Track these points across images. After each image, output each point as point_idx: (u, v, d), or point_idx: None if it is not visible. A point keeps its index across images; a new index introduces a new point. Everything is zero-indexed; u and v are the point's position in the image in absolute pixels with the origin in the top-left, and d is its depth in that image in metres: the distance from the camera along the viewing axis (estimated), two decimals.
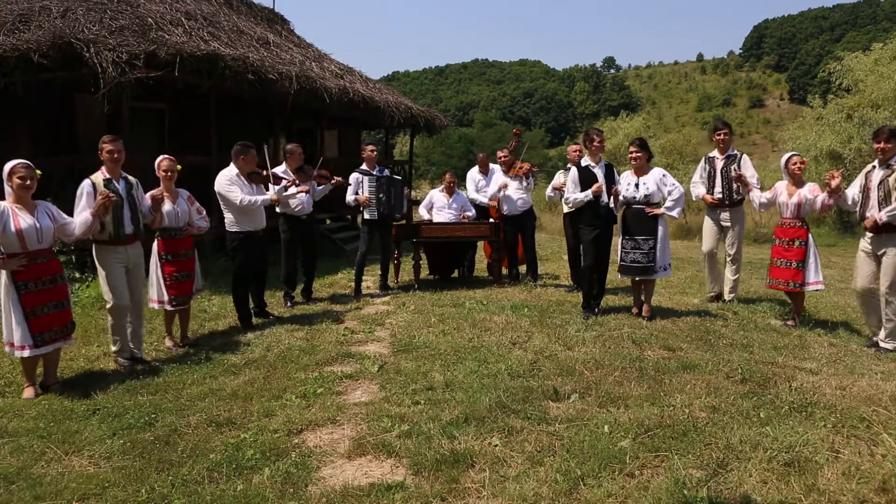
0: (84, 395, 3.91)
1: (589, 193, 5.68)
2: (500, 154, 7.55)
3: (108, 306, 4.52)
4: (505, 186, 7.31)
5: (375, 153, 7.08)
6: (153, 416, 3.54)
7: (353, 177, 6.96)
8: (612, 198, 5.69)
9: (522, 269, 7.94)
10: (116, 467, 2.96)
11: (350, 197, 6.96)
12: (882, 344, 4.90)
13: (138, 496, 2.69)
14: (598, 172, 5.77)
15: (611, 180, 5.79)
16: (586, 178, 5.76)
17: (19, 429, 3.40)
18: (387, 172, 7.26)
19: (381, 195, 6.90)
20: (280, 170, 6.29)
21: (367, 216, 6.99)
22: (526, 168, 7.32)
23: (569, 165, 6.95)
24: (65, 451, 3.13)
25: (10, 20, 7.61)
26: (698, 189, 6.59)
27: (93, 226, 4.24)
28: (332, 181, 6.73)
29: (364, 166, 7.06)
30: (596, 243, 5.79)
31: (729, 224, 6.38)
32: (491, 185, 7.67)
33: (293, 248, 6.57)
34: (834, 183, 5.00)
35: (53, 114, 8.38)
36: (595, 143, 5.79)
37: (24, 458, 3.05)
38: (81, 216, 4.21)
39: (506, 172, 7.43)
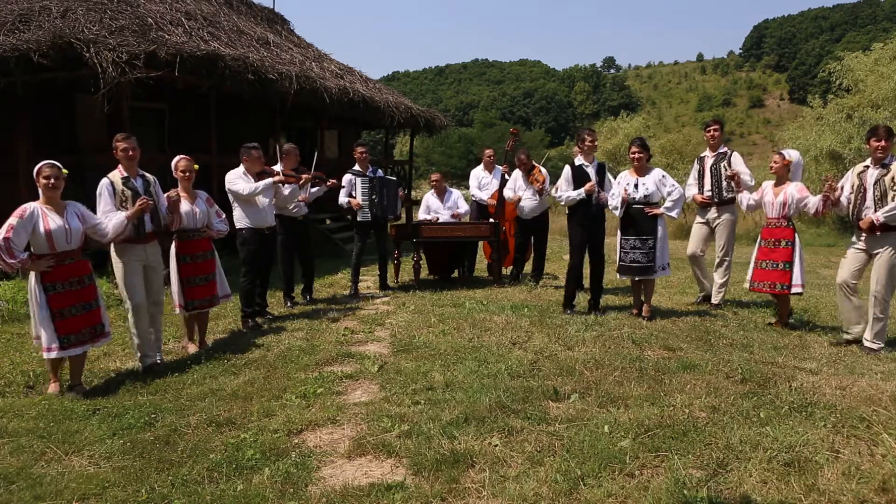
0: (84, 395, 3.91)
1: (581, 192, 5.70)
2: (519, 158, 7.30)
3: (126, 305, 4.49)
4: (518, 199, 7.18)
5: (365, 154, 7.07)
6: (153, 416, 3.54)
7: (346, 178, 6.95)
8: (620, 203, 5.65)
9: (526, 268, 7.92)
10: (116, 467, 2.95)
11: (343, 199, 6.96)
12: (867, 343, 4.82)
13: (138, 496, 2.69)
14: (591, 172, 5.77)
15: (602, 179, 5.79)
16: (580, 177, 5.77)
17: (19, 429, 3.40)
18: (380, 173, 7.24)
19: (373, 196, 6.89)
20: (276, 169, 6.30)
21: (359, 218, 6.96)
22: (541, 181, 7.14)
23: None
24: (65, 451, 3.13)
25: (10, 20, 7.62)
26: (692, 190, 6.54)
27: (127, 228, 4.26)
28: (328, 183, 6.72)
29: (357, 167, 7.05)
30: (585, 243, 5.81)
31: (718, 223, 6.28)
32: (506, 191, 7.45)
33: (289, 248, 6.57)
34: (835, 196, 4.88)
35: (53, 114, 8.38)
36: (587, 143, 5.80)
37: (24, 458, 3.05)
38: (116, 220, 4.20)
39: (525, 177, 7.27)
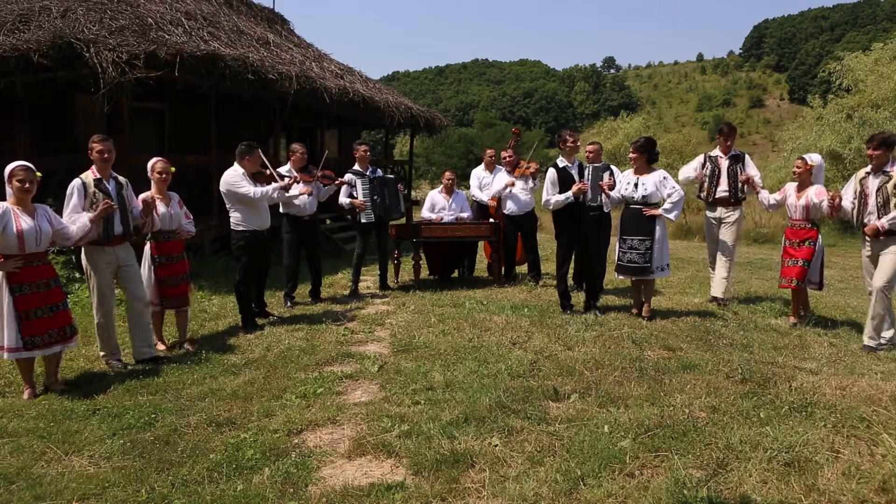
0: (84, 395, 3.91)
1: (569, 195, 5.68)
2: (504, 154, 7.47)
3: (93, 308, 4.51)
4: (512, 184, 7.20)
5: (368, 153, 7.05)
6: (153, 416, 3.54)
7: (347, 178, 6.93)
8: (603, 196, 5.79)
9: (523, 269, 7.92)
10: (116, 467, 2.96)
11: (344, 199, 6.93)
12: (866, 342, 4.88)
13: (138, 496, 2.69)
14: (574, 173, 5.77)
15: (582, 179, 5.79)
16: (564, 180, 5.76)
17: (19, 429, 3.40)
18: (379, 172, 7.23)
19: (375, 197, 6.87)
20: (284, 169, 6.29)
21: (363, 219, 6.93)
22: (534, 168, 7.23)
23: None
24: (65, 451, 3.13)
25: (10, 20, 7.61)
26: (688, 172, 6.61)
27: (91, 231, 4.25)
28: (337, 181, 6.73)
29: (357, 167, 7.04)
30: (572, 245, 5.84)
31: (728, 222, 6.38)
32: (495, 183, 7.55)
33: (295, 248, 6.56)
34: (836, 203, 5.09)
35: (53, 114, 8.37)
36: (568, 144, 5.80)
37: (24, 458, 3.05)
38: (80, 223, 4.19)
39: (510, 172, 7.36)
